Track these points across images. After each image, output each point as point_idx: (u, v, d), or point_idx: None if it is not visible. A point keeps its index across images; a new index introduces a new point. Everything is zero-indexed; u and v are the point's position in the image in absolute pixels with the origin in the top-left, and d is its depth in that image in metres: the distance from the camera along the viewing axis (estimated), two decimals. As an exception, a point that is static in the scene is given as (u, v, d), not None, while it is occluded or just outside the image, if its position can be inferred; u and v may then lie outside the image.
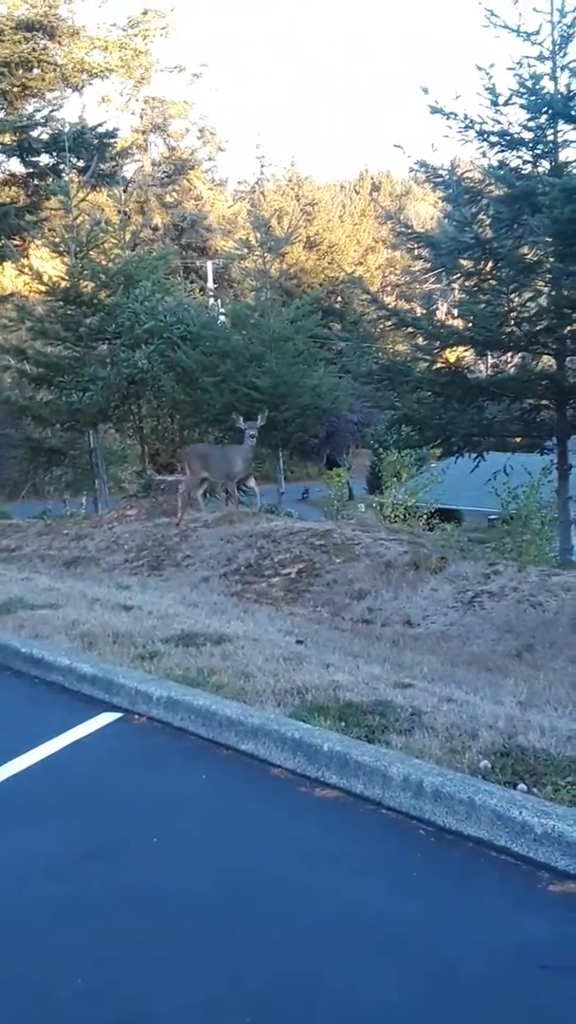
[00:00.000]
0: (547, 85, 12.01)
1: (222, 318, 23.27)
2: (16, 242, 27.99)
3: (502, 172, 12.08)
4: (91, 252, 20.64)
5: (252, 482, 13.03)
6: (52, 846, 3.95)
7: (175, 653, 6.39)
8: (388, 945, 3.20)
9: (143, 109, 54.63)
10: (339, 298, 52.02)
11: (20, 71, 39.62)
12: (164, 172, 55.61)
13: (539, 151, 12.42)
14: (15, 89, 38.96)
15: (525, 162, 12.62)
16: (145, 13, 49.47)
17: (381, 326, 15.65)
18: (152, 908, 3.47)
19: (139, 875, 3.71)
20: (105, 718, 5.56)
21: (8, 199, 33.50)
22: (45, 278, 20.31)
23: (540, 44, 12.23)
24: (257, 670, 5.90)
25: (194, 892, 3.57)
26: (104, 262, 21.05)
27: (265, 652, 6.42)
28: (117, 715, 5.62)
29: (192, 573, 10.82)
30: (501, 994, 2.94)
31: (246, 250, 22.87)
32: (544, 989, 2.96)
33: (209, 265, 47.77)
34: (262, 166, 69.34)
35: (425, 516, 23.59)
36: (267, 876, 3.69)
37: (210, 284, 45.59)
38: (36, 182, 34.36)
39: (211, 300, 35.09)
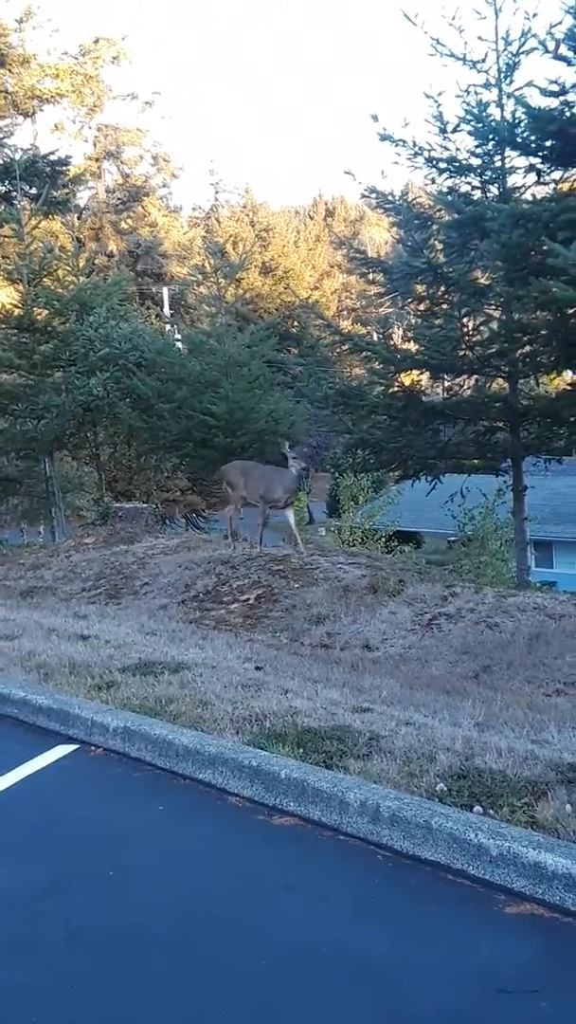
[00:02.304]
0: (494, 112, 12.21)
1: (178, 344, 23.29)
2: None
3: (451, 198, 12.24)
4: (45, 279, 20.59)
5: (290, 513, 12.16)
6: (4, 883, 3.89)
7: (132, 682, 6.33)
8: (347, 972, 3.18)
9: (96, 136, 54.72)
10: (295, 323, 52.28)
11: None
12: (118, 199, 55.69)
13: (487, 177, 12.62)
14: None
15: (474, 188, 12.81)
16: (97, 41, 49.70)
17: (337, 351, 15.80)
18: (108, 944, 3.42)
19: (95, 910, 3.66)
20: (61, 750, 5.50)
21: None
22: (-2, 306, 20.22)
23: (486, 72, 12.45)
24: (215, 698, 5.87)
25: (151, 926, 3.53)
26: (58, 289, 21.02)
27: (223, 679, 6.39)
28: (73, 747, 5.55)
29: (150, 601, 10.76)
30: (460, 1019, 2.94)
31: (201, 276, 22.96)
32: (503, 1013, 2.96)
33: (165, 291, 47.85)
34: (216, 192, 69.89)
35: (383, 539, 23.68)
36: (225, 907, 3.66)
37: (166, 310, 45.65)
38: (-12, 210, 34.21)
39: (167, 327, 35.11)
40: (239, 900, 3.71)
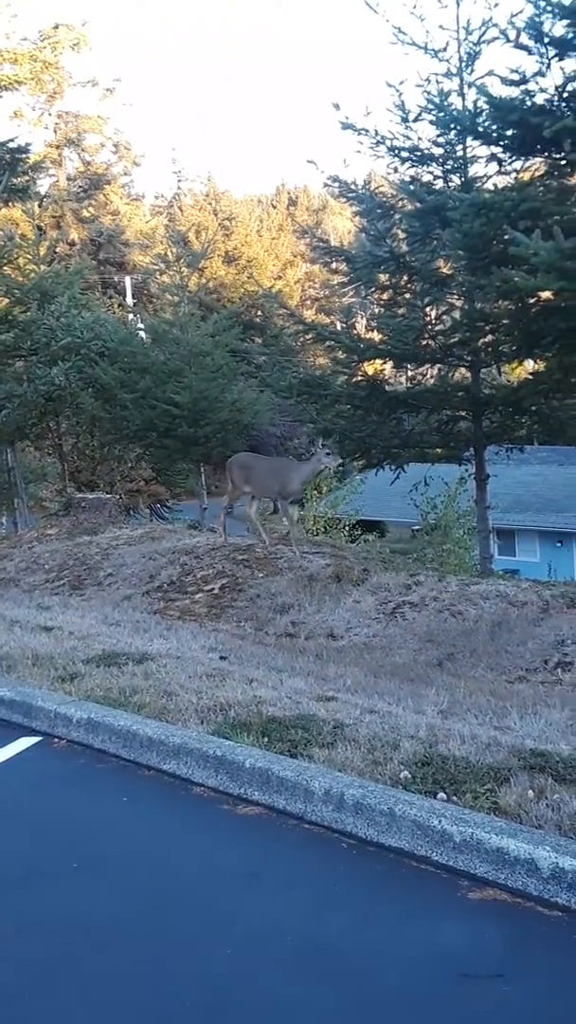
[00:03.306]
0: (455, 101, 12.18)
1: (141, 333, 23.14)
2: None
3: (413, 187, 12.20)
4: (5, 267, 20.34)
5: (294, 508, 11.79)
6: (-31, 876, 3.87)
7: (96, 674, 6.31)
8: (312, 959, 3.20)
9: (57, 123, 54.16)
10: (259, 312, 52.15)
11: None
12: (80, 187, 55.15)
13: (449, 167, 12.60)
14: None
15: (436, 177, 12.78)
16: (56, 27, 49.13)
17: (300, 340, 15.73)
18: (72, 935, 3.41)
19: (58, 902, 3.65)
20: (24, 743, 5.47)
21: None
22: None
23: (447, 61, 12.42)
24: (180, 688, 5.87)
25: (116, 916, 3.53)
26: (18, 278, 20.78)
27: (188, 670, 6.39)
28: (36, 739, 5.53)
29: (114, 591, 10.72)
30: (423, 1003, 2.96)
31: (164, 265, 22.79)
32: (466, 997, 2.99)
33: (127, 280, 47.54)
34: (179, 180, 69.33)
35: (347, 528, 23.75)
36: (190, 896, 3.67)
37: (129, 299, 45.37)
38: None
39: (130, 316, 34.89)
40: (203, 889, 3.71)
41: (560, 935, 3.29)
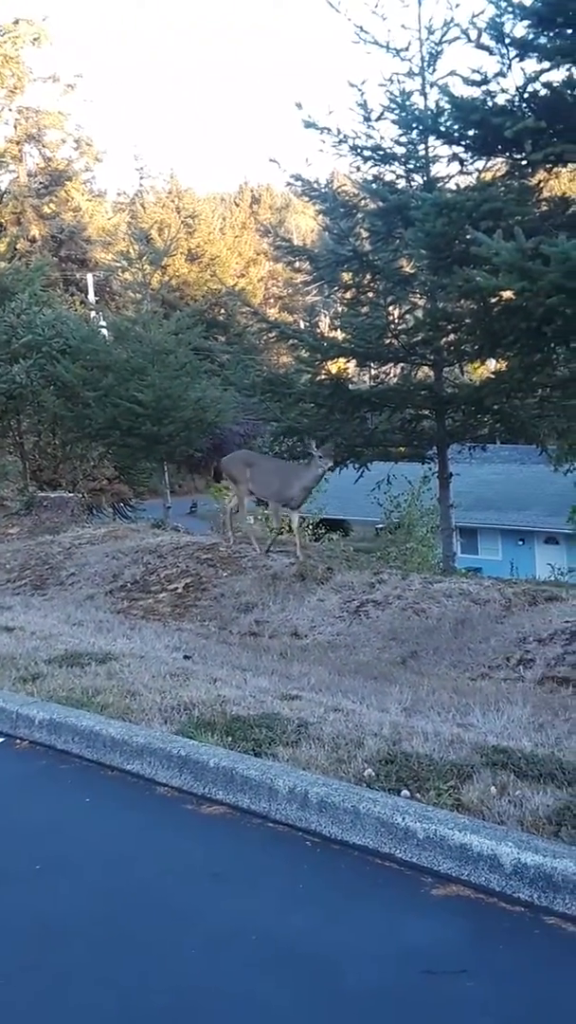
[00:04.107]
0: (417, 101, 12.24)
1: (103, 331, 22.99)
2: None
3: (376, 186, 12.25)
4: (-35, 265, 20.17)
5: (295, 514, 10.95)
6: None
7: (59, 674, 6.27)
8: (276, 958, 3.20)
9: (17, 119, 53.63)
10: (222, 310, 52.04)
11: None
12: (40, 183, 54.61)
13: (411, 166, 12.65)
14: None
15: (398, 176, 12.83)
16: (16, 22, 48.66)
17: (264, 338, 15.70)
18: (34, 936, 3.39)
19: (20, 903, 3.62)
20: (-15, 744, 5.42)
21: None
22: None
23: (409, 61, 12.47)
24: (144, 688, 5.84)
25: (79, 917, 3.51)
26: (-22, 275, 20.60)
27: (152, 669, 6.37)
28: (-2, 740, 5.48)
29: (77, 591, 10.65)
30: (387, 1001, 2.97)
31: (126, 262, 22.68)
32: (430, 993, 3.00)
33: (89, 277, 47.19)
34: (141, 178, 68.82)
35: (311, 527, 23.78)
36: (153, 896, 3.65)
37: (91, 297, 45.06)
38: None
39: (92, 313, 34.66)
40: (167, 889, 3.70)
41: (522, 930, 3.31)
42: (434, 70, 12.43)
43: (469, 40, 10.67)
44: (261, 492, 10.94)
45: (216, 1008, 2.95)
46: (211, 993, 3.02)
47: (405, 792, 4.13)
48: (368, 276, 13.31)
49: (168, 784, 4.62)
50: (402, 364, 13.81)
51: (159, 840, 4.17)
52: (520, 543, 29.52)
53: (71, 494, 18.86)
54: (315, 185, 13.54)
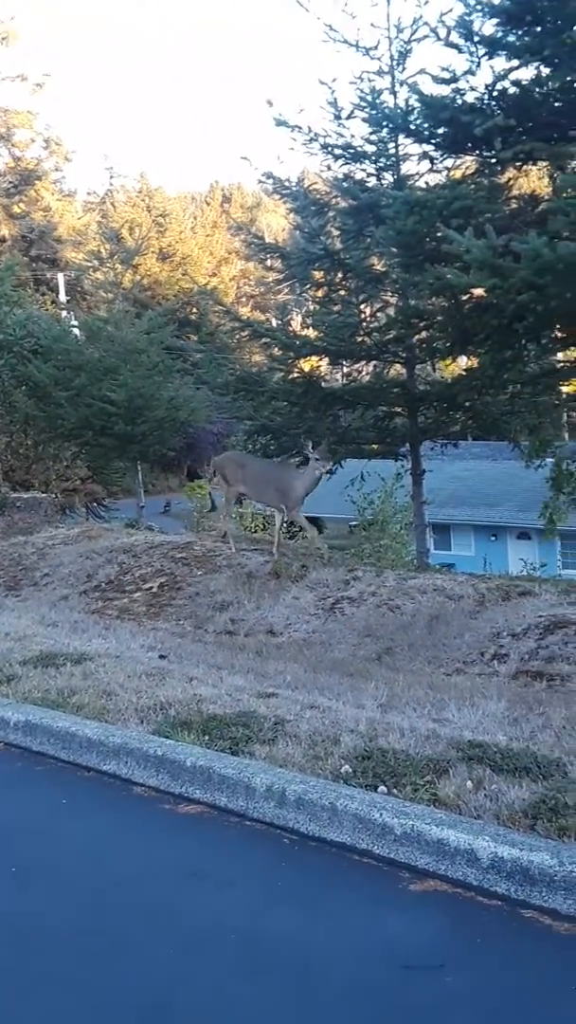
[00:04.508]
0: (387, 99, 12.24)
1: (75, 331, 22.89)
2: None
3: (347, 184, 12.26)
4: None
5: (279, 516, 10.74)
6: None
7: (34, 675, 6.25)
8: (256, 956, 3.20)
9: (-15, 118, 53.28)
10: (194, 309, 51.92)
11: None
12: (10, 182, 54.28)
13: (382, 164, 12.66)
14: None
15: (369, 175, 12.83)
16: (-16, 21, 48.35)
17: (236, 337, 15.67)
18: (11, 939, 3.37)
19: (-3, 907, 3.60)
20: (-41, 747, 5.38)
21: None
22: None
23: (379, 59, 12.48)
24: (119, 688, 5.83)
25: (55, 919, 3.49)
26: (-52, 275, 20.44)
27: (127, 669, 6.35)
28: (-28, 743, 5.44)
29: (51, 592, 10.60)
30: (367, 997, 2.98)
31: (97, 262, 22.59)
32: (409, 989, 3.01)
33: (60, 277, 46.96)
34: (111, 177, 68.53)
35: (285, 525, 23.76)
36: (131, 897, 3.65)
37: (62, 296, 44.83)
38: None
39: (63, 313, 34.50)
40: (145, 889, 3.69)
41: (500, 924, 3.33)
42: (403, 68, 12.44)
43: (438, 38, 10.70)
44: (257, 496, 10.87)
45: (194, 1007, 2.95)
46: (189, 992, 3.01)
47: (382, 788, 4.14)
48: (340, 274, 13.31)
49: (145, 784, 4.61)
50: (374, 362, 13.84)
51: (136, 840, 4.16)
52: (492, 539, 29.68)
53: (44, 495, 18.77)
54: (286, 183, 13.53)
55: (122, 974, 3.12)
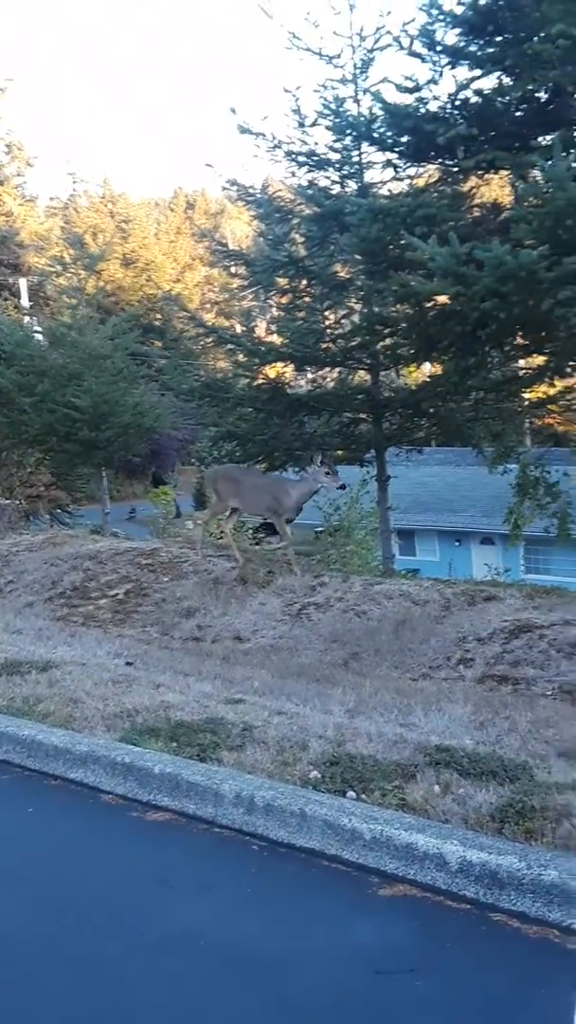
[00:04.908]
0: (351, 108, 12.31)
1: (38, 336, 22.74)
2: None
3: (311, 192, 12.32)
4: None
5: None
6: None
7: (-2, 683, 6.19)
8: (225, 963, 3.20)
9: (-54, 123, 52.82)
10: (158, 315, 51.77)
11: None
12: (-29, 187, 53.90)
13: (346, 172, 12.72)
14: None
15: (333, 182, 12.90)
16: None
17: (201, 343, 15.67)
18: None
19: (-36, 918, 3.56)
20: None
21: None
22: None
23: (342, 67, 12.56)
24: (86, 695, 5.80)
25: (23, 928, 3.47)
26: None
27: (93, 676, 6.32)
28: None
29: (15, 599, 10.51)
30: (338, 1003, 2.98)
31: (60, 267, 22.51)
32: (380, 994, 3.02)
33: (23, 282, 46.61)
34: (74, 182, 68.23)
35: (251, 531, 23.76)
36: (99, 905, 3.63)
37: (24, 302, 44.51)
38: None
39: (26, 318, 34.24)
40: (113, 897, 3.68)
41: (469, 927, 3.35)
42: (367, 77, 12.52)
43: (401, 47, 10.79)
44: (251, 508, 10.67)
45: (164, 1015, 2.94)
46: (158, 1000, 3.00)
47: (351, 793, 4.15)
48: (304, 281, 13.36)
49: (112, 792, 4.59)
50: (339, 368, 13.89)
51: (104, 848, 4.14)
52: (457, 544, 29.83)
53: (8, 501, 18.65)
54: (250, 190, 13.57)
55: (91, 982, 3.10)
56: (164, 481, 41.41)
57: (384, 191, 12.45)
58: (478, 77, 10.53)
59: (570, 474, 16.52)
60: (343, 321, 13.44)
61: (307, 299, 13.48)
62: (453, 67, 10.68)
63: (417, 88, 10.80)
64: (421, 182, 12.13)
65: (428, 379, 13.42)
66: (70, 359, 19.39)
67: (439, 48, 10.50)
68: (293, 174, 13.10)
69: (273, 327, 14.95)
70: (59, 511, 25.02)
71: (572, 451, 19.83)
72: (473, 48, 10.42)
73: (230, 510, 10.66)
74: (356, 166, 12.69)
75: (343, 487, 10.83)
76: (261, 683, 6.55)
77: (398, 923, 3.40)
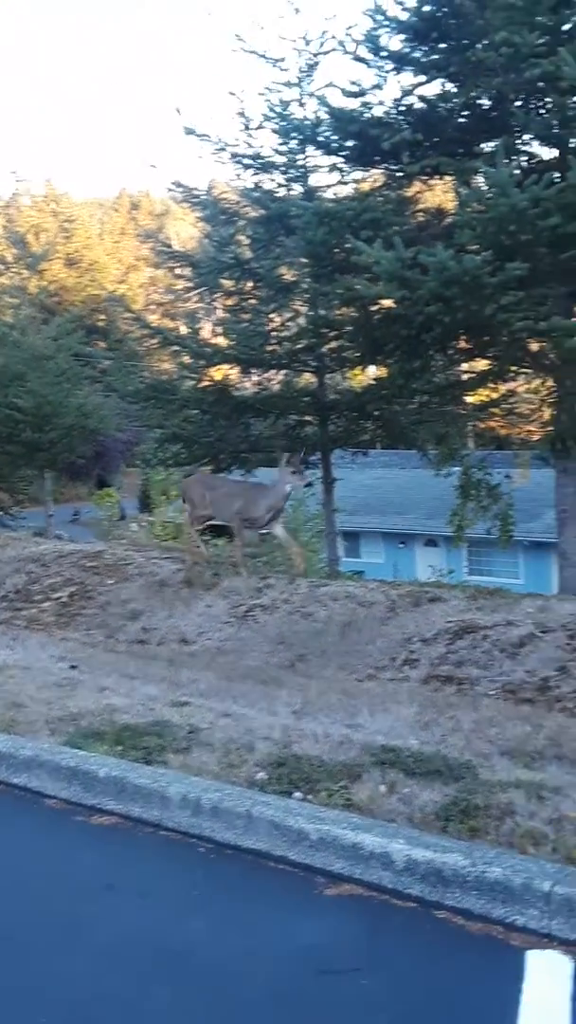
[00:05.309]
0: (296, 111, 12.39)
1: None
2: None
3: (257, 194, 12.37)
4: None
5: (279, 529, 10.21)
6: None
7: None
8: (172, 966, 3.18)
9: None
10: (102, 316, 51.43)
11: None
12: None
13: (291, 175, 12.80)
14: None
15: (279, 185, 12.97)
16: None
17: (146, 345, 15.63)
18: None
19: None
20: None
21: None
22: None
23: (287, 71, 12.64)
24: (29, 699, 5.74)
25: (-34, 937, 3.42)
26: None
27: (37, 680, 6.26)
28: None
29: (-44, 603, 10.35)
30: (284, 1003, 2.98)
31: (2, 267, 22.28)
32: (326, 993, 3.02)
33: (-36, 282, 46.07)
34: (16, 181, 67.63)
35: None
36: (44, 911, 3.59)
37: (-35, 301, 43.95)
38: None
39: (-32, 318, 33.81)
40: (58, 903, 3.64)
41: (414, 925, 3.38)
42: (312, 80, 12.60)
43: (346, 52, 10.88)
44: (223, 516, 10.33)
45: (111, 1020, 2.92)
46: (106, 1005, 2.98)
47: (297, 794, 4.16)
48: (250, 283, 13.39)
49: (57, 796, 4.55)
50: (285, 371, 13.94)
51: (49, 853, 4.10)
52: (401, 546, 30.00)
53: (-52, 504, 18.38)
54: (195, 192, 13.58)
55: (37, 988, 3.07)
56: (108, 483, 41.15)
57: (330, 195, 12.54)
58: (422, 83, 10.67)
59: (512, 477, 16.73)
60: (289, 324, 13.50)
61: (253, 301, 13.51)
62: (398, 73, 10.80)
63: (362, 93, 10.90)
64: (366, 186, 12.24)
65: (373, 382, 13.53)
66: (12, 359, 19.23)
67: (384, 54, 10.61)
68: (239, 176, 13.15)
69: (219, 329, 14.93)
70: (1, 513, 24.72)
71: (514, 454, 20.12)
72: (417, 54, 10.54)
73: (204, 519, 10.36)
74: (302, 169, 12.75)
75: (309, 484, 10.67)
76: (207, 685, 6.53)
77: (344, 922, 3.42)
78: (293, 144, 12.49)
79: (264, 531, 10.57)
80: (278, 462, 10.15)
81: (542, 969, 3.07)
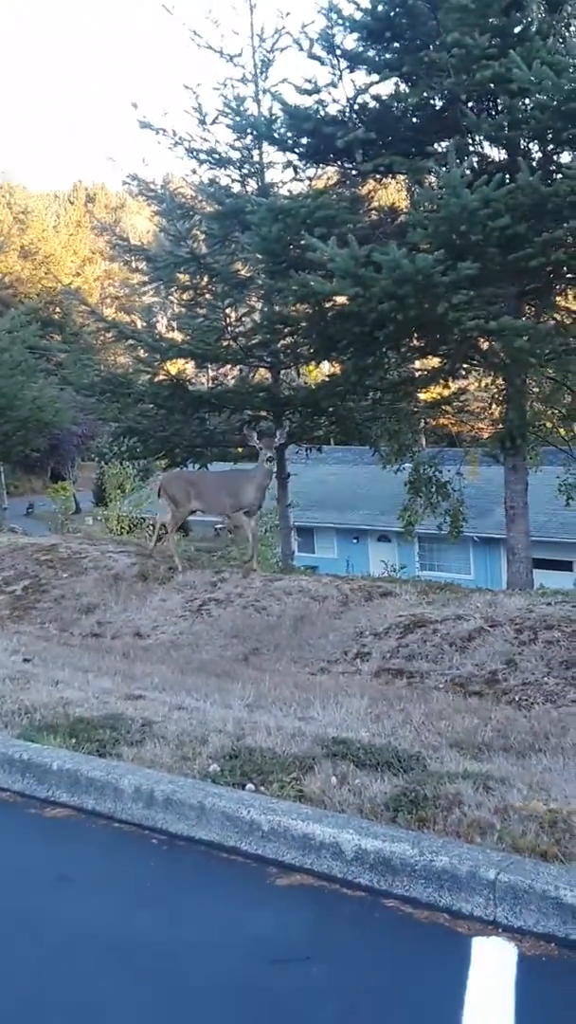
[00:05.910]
0: (251, 107, 12.40)
1: None
2: None
3: (212, 189, 12.37)
4: None
5: (252, 520, 10.11)
6: None
7: None
8: (125, 958, 3.22)
9: None
10: (57, 309, 51.03)
11: None
12: None
13: (246, 171, 12.82)
14: None
15: (234, 180, 12.98)
16: None
17: (101, 338, 15.56)
18: None
19: None
20: None
21: None
22: None
23: (242, 67, 12.65)
24: (-19, 693, 5.73)
25: None
26: None
27: (-10, 674, 6.25)
28: None
29: None
30: (235, 992, 3.03)
31: (-45, 258, 22.04)
32: (274, 982, 3.08)
33: None
34: (-30, 171, 66.69)
35: (152, 527, 23.65)
36: (-2, 904, 3.61)
37: None
38: None
39: None
40: (10, 896, 3.67)
41: (363, 914, 3.45)
42: (267, 77, 12.63)
43: (301, 49, 10.92)
44: (212, 509, 10.33)
45: (63, 1012, 2.95)
46: (58, 997, 3.01)
47: (250, 786, 4.22)
48: (205, 278, 13.39)
49: (9, 789, 4.57)
50: (240, 366, 13.97)
51: (1, 846, 4.12)
52: (355, 541, 30.18)
53: None
54: (151, 186, 13.54)
55: (-11, 981, 3.10)
56: (63, 476, 40.86)
57: (284, 191, 12.57)
58: (376, 82, 10.74)
59: (463, 474, 16.94)
60: (244, 319, 13.52)
61: (208, 296, 13.51)
62: (352, 71, 10.86)
63: (316, 90, 10.94)
64: (321, 184, 12.29)
65: (327, 378, 13.58)
66: (-35, 352, 19.05)
67: (338, 52, 10.66)
68: (195, 171, 13.13)
69: (174, 323, 14.91)
70: (-46, 507, 24.47)
71: (465, 451, 20.34)
72: (371, 53, 10.61)
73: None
74: (257, 165, 12.78)
75: (271, 460, 10.22)
76: (161, 679, 6.57)
77: (295, 912, 3.48)
78: (248, 140, 12.51)
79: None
80: (250, 439, 10.14)
81: (488, 956, 3.15)
